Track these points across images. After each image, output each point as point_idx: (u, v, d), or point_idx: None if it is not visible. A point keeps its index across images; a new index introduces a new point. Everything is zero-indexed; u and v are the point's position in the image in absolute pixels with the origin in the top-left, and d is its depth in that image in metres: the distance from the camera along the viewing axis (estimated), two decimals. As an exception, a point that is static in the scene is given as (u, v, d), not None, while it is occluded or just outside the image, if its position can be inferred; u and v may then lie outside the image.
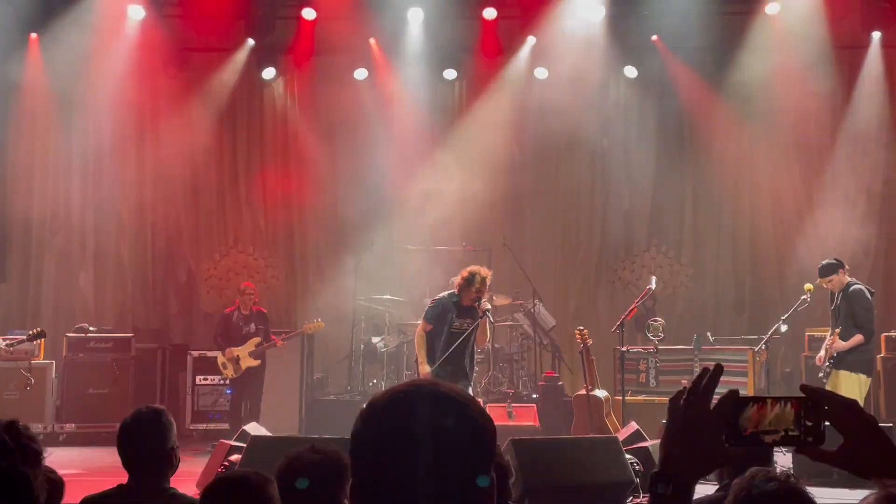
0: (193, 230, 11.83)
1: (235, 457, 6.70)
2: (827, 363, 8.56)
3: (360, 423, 1.46)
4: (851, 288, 8.64)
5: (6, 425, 1.68)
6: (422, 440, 1.40)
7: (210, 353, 11.03)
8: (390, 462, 1.40)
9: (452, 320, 7.93)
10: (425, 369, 7.91)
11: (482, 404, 9.47)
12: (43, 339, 9.12)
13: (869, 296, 8.69)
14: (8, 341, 8.95)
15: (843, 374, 8.47)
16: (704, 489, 6.94)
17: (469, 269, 7.97)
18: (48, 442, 10.56)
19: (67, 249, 12.30)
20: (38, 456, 1.69)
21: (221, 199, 12.46)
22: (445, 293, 8.14)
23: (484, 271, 7.92)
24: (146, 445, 3.56)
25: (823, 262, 8.93)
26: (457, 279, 8.02)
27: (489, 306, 8.18)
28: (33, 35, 12.04)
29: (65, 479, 3.88)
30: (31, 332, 8.97)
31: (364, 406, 1.49)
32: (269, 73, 12.61)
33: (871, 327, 8.60)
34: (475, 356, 8.28)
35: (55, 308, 12.19)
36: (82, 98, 11.99)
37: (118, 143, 11.80)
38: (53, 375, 10.99)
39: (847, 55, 11.91)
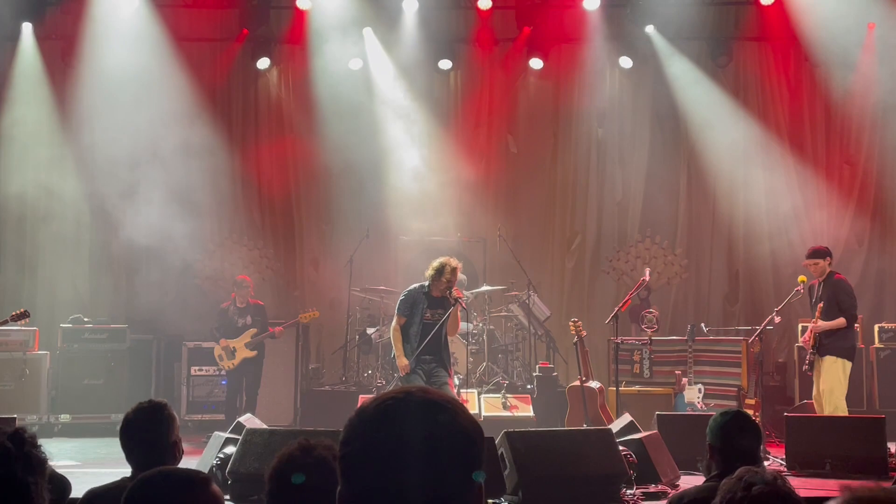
0: (188, 220, 11.81)
1: (229, 449, 6.72)
2: (811, 351, 8.63)
3: (350, 430, 1.46)
4: (835, 276, 8.81)
5: (11, 433, 1.69)
6: (411, 448, 1.41)
7: (205, 344, 11.05)
8: (379, 469, 1.41)
9: (424, 311, 7.96)
10: (403, 362, 7.96)
11: (476, 396, 9.49)
12: (26, 319, 9.04)
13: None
14: None
15: (828, 359, 8.60)
16: (698, 480, 6.98)
17: (439, 259, 8.00)
18: (43, 433, 10.60)
19: (62, 240, 12.28)
20: (42, 465, 1.68)
21: (216, 189, 12.44)
22: (416, 285, 8.17)
23: (453, 262, 7.94)
24: (148, 439, 3.60)
25: (815, 247, 9.08)
26: (427, 271, 8.03)
27: (467, 295, 8.19)
28: (27, 24, 12.00)
29: (61, 470, 3.90)
30: (13, 313, 8.88)
31: (353, 413, 1.50)
32: (263, 62, 12.57)
33: (854, 313, 8.78)
34: (449, 346, 8.30)
35: (50, 299, 12.19)
36: (75, 88, 11.93)
37: (111, 133, 11.76)
38: (48, 366, 11.00)
39: (842, 46, 11.89)
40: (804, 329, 10.85)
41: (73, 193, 12.13)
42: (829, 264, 8.84)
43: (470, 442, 1.46)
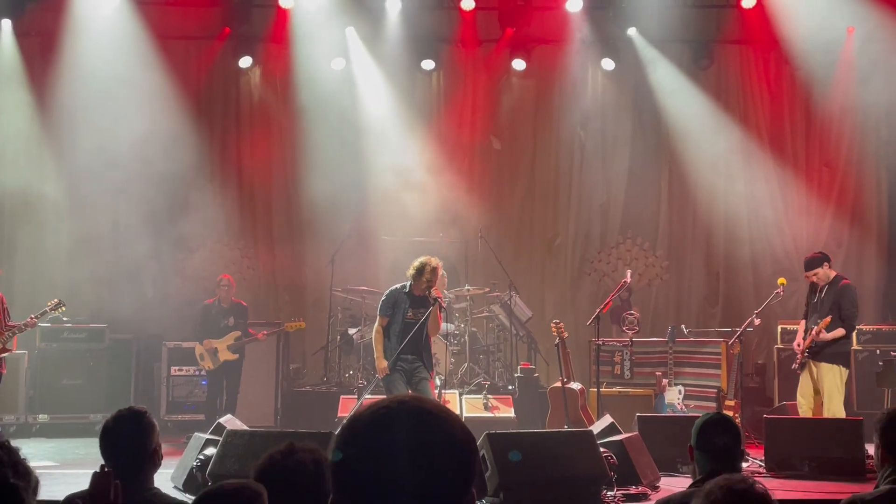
0: (169, 220, 11.74)
1: (210, 450, 6.68)
2: (805, 353, 8.66)
3: (343, 439, 1.47)
4: (842, 283, 8.80)
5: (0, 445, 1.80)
6: (404, 456, 1.41)
7: (185, 344, 10.99)
8: (373, 477, 1.41)
9: (406, 310, 7.97)
10: (382, 364, 7.95)
11: (458, 396, 9.49)
12: (63, 308, 9.49)
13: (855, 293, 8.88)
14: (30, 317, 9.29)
15: (825, 366, 8.63)
16: (678, 482, 7.02)
17: (419, 259, 8.00)
18: (21, 433, 10.52)
19: (40, 238, 12.17)
20: (28, 472, 1.78)
21: (197, 188, 12.37)
22: (397, 285, 8.17)
23: (434, 261, 7.95)
24: (127, 448, 3.58)
25: (808, 256, 9.07)
26: (409, 270, 8.04)
27: (448, 294, 8.19)
28: (6, 20, 11.89)
29: (39, 471, 3.87)
30: (50, 304, 9.33)
31: (346, 422, 1.50)
32: (245, 61, 12.52)
33: (854, 323, 8.82)
34: (431, 346, 8.29)
35: (28, 298, 12.04)
36: (55, 85, 11.83)
37: (91, 130, 11.67)
38: (26, 365, 10.90)
39: (822, 50, 11.99)
40: (784, 331, 10.96)
41: (52, 191, 12.02)
42: (830, 268, 8.83)
43: (463, 450, 1.46)
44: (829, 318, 8.51)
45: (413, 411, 1.46)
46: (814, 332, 8.57)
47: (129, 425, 3.61)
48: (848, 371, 8.78)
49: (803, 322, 8.99)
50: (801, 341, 8.79)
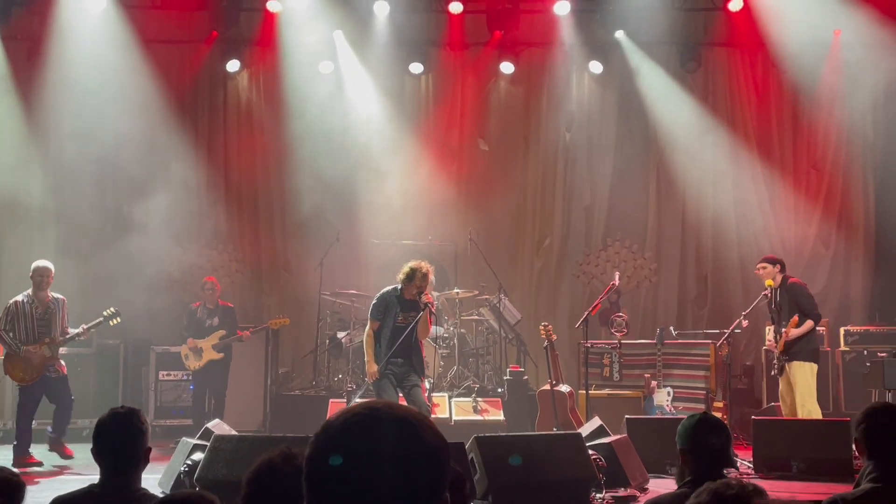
0: (156, 224, 11.70)
1: (197, 455, 6.65)
2: (784, 358, 8.73)
3: (315, 446, 1.46)
4: (789, 281, 8.98)
5: None
6: (376, 465, 1.40)
7: (173, 349, 10.95)
8: (344, 486, 1.41)
9: (397, 315, 7.97)
10: (372, 369, 7.94)
11: (447, 399, 9.46)
12: (118, 320, 9.48)
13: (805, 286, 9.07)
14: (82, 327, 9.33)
15: (795, 364, 8.76)
16: (666, 484, 7.03)
17: (410, 263, 8.00)
18: (9, 439, 10.43)
19: (27, 242, 12.10)
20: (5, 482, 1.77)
21: (184, 192, 12.33)
22: (388, 288, 8.16)
23: (424, 267, 7.95)
24: (120, 445, 3.59)
25: (766, 255, 9.38)
26: (399, 274, 8.04)
27: (434, 299, 8.19)
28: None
29: (27, 475, 3.86)
30: (105, 314, 9.37)
31: (319, 428, 1.49)
32: (233, 65, 12.50)
33: (817, 313, 8.97)
34: (421, 350, 8.27)
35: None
36: (42, 88, 11.78)
37: (78, 134, 11.62)
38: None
39: (809, 53, 12.05)
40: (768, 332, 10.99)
41: (38, 195, 11.97)
42: (780, 273, 8.98)
43: (435, 458, 1.46)
44: (795, 318, 8.67)
45: (386, 418, 1.45)
46: (784, 334, 8.69)
47: (123, 423, 3.62)
48: (817, 366, 8.88)
49: (773, 327, 9.12)
50: (773, 346, 8.95)
